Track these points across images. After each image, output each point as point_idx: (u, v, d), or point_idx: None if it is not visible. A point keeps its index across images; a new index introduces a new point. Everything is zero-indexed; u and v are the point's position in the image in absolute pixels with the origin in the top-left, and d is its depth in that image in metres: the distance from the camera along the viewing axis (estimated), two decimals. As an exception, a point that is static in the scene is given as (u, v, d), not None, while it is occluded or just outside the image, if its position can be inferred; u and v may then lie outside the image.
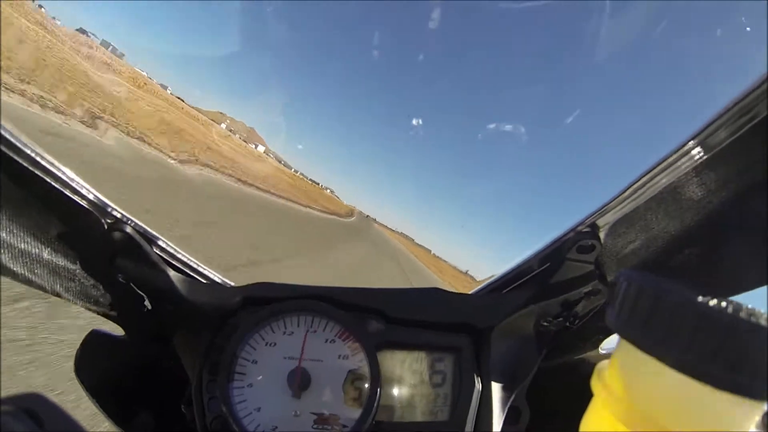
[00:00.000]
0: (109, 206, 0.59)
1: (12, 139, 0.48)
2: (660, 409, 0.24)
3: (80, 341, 0.66)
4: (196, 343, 0.66)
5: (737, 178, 0.45)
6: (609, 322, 0.26)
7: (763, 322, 0.20)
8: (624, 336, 0.25)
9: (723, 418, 0.22)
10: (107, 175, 6.20)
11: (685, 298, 0.22)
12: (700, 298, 0.22)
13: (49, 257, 0.60)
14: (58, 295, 0.62)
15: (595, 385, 0.28)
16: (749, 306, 0.21)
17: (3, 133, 0.47)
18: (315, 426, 0.60)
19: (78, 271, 0.63)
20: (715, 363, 0.21)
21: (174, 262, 0.67)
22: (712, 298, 0.22)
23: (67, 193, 0.54)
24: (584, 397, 0.29)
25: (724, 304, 0.21)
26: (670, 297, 0.22)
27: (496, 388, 0.64)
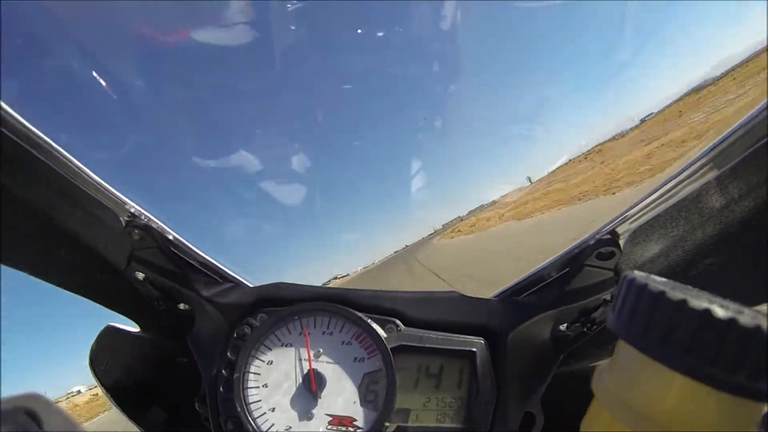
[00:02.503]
0: (128, 204, 0.62)
1: (32, 135, 0.50)
2: (660, 409, 0.25)
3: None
4: (211, 342, 0.69)
5: (759, 188, 0.47)
6: (609, 324, 0.28)
7: (762, 323, 0.22)
8: (625, 338, 0.26)
9: (723, 419, 0.24)
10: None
11: (684, 300, 0.23)
12: (699, 300, 0.23)
13: (68, 254, 0.63)
14: (75, 291, 0.66)
15: (596, 385, 0.29)
16: (749, 307, 0.23)
17: (22, 129, 0.49)
18: (330, 427, 0.63)
19: (95, 267, 0.66)
20: (715, 364, 0.22)
21: (191, 261, 0.71)
22: (713, 301, 0.24)
23: (87, 190, 0.57)
24: None
25: (723, 305, 0.23)
26: (670, 299, 0.24)
27: (511, 393, 0.66)
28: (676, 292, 0.24)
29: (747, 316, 0.22)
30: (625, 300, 0.26)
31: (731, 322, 0.22)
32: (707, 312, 0.23)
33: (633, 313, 0.26)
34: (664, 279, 0.26)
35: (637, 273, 0.27)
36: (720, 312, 0.23)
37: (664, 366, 0.24)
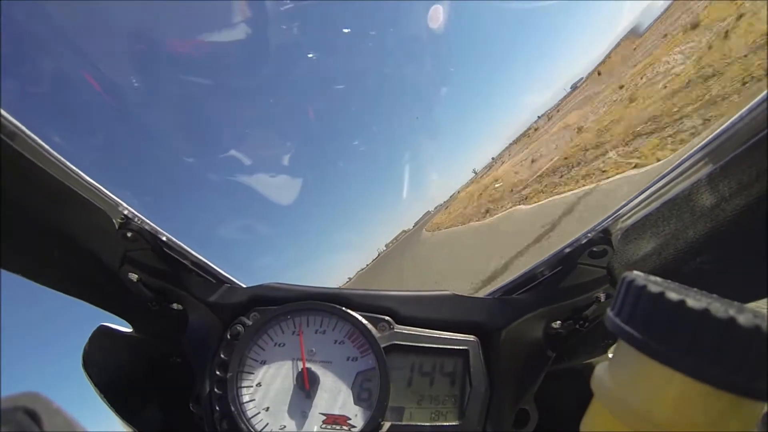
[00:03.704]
0: (120, 205, 0.61)
1: (26, 138, 0.49)
2: (660, 409, 0.25)
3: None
4: (204, 342, 0.69)
5: (750, 187, 0.47)
6: (609, 324, 0.28)
7: (762, 323, 0.21)
8: (624, 339, 0.26)
9: (723, 418, 0.24)
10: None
11: (683, 300, 0.23)
12: (698, 300, 0.23)
13: (61, 256, 0.62)
14: (68, 293, 0.65)
15: (596, 385, 0.29)
16: (749, 307, 0.23)
17: (15, 131, 0.48)
18: (324, 426, 0.62)
19: (89, 269, 0.65)
20: (715, 364, 0.22)
21: (184, 262, 0.70)
22: (713, 300, 0.23)
23: (80, 192, 0.56)
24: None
25: (723, 305, 0.23)
26: (669, 299, 0.24)
27: (505, 390, 0.66)
28: (675, 292, 0.24)
29: (746, 316, 0.22)
30: (624, 301, 0.26)
31: (731, 322, 0.22)
32: (706, 312, 0.22)
33: (632, 313, 0.25)
34: (663, 279, 0.26)
35: (636, 274, 0.27)
36: (719, 312, 0.22)
37: (664, 366, 0.24)
